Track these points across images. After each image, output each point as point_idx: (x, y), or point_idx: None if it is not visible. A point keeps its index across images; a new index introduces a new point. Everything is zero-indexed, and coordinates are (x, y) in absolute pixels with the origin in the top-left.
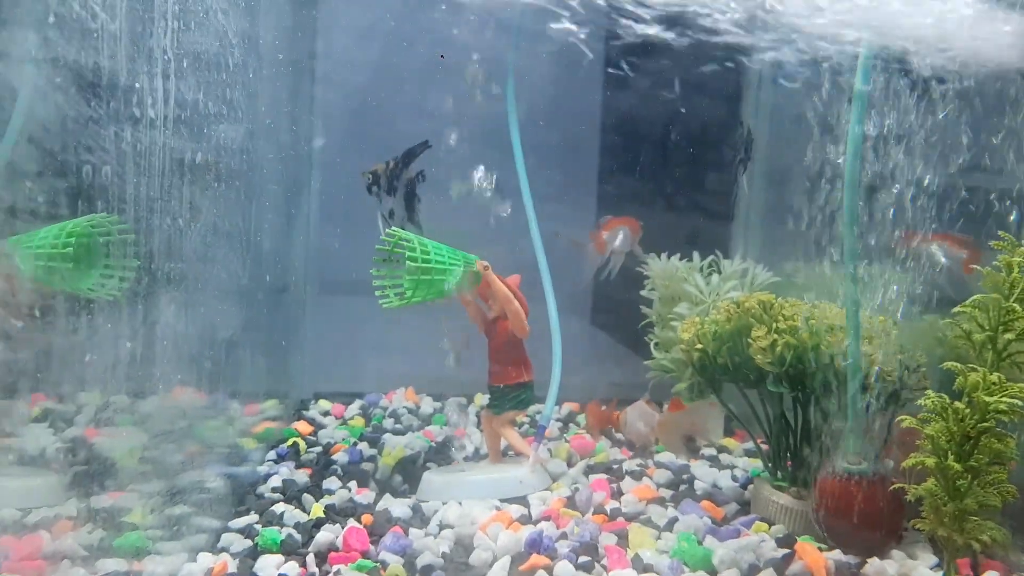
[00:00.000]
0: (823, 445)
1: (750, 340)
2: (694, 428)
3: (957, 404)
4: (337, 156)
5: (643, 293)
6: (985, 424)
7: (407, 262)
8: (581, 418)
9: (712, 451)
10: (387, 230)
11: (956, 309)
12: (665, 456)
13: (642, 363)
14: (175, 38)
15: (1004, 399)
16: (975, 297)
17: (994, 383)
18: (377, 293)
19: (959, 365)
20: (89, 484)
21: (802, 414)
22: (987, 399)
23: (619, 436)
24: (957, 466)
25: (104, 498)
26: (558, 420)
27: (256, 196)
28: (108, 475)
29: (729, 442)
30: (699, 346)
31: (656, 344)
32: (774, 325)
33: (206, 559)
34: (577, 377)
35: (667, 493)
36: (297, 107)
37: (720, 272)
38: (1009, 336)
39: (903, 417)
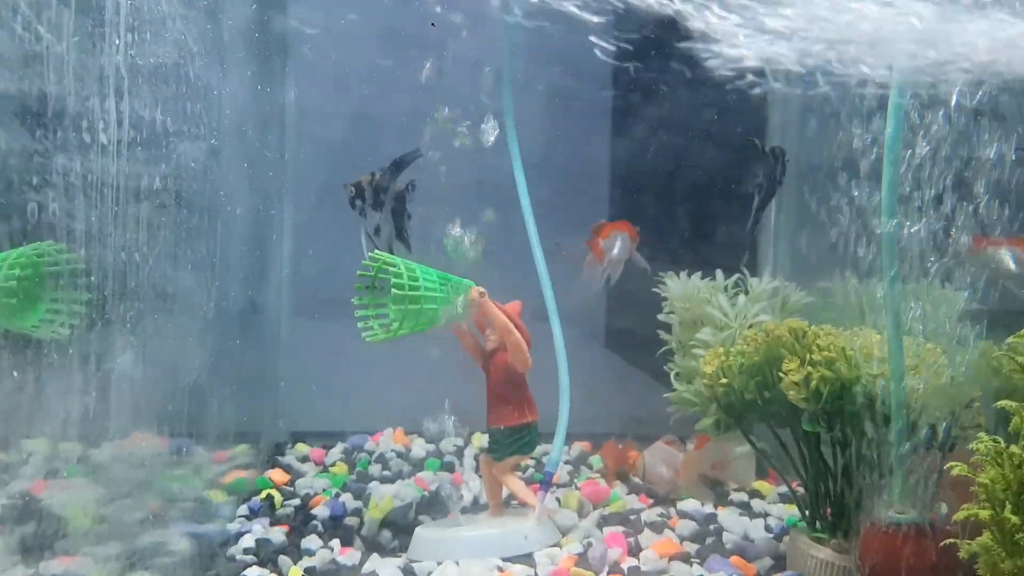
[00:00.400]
0: (866, 491)
1: (781, 373)
2: (722, 469)
3: (1014, 448)
4: (314, 167)
5: (661, 317)
6: None
7: (393, 289)
8: (594, 460)
9: (743, 496)
10: (370, 252)
11: (1010, 339)
12: (690, 504)
13: (663, 395)
14: (127, 53)
15: None
16: None
17: None
18: (360, 325)
19: (1013, 404)
20: (38, 547)
21: (842, 456)
22: None
23: (637, 481)
24: (1015, 519)
25: (55, 563)
26: (567, 463)
27: (221, 217)
28: (59, 536)
29: (762, 486)
30: (724, 380)
31: (677, 374)
32: (808, 356)
33: None
34: (589, 411)
35: (692, 548)
36: (268, 116)
37: (747, 292)
38: None
39: (953, 464)
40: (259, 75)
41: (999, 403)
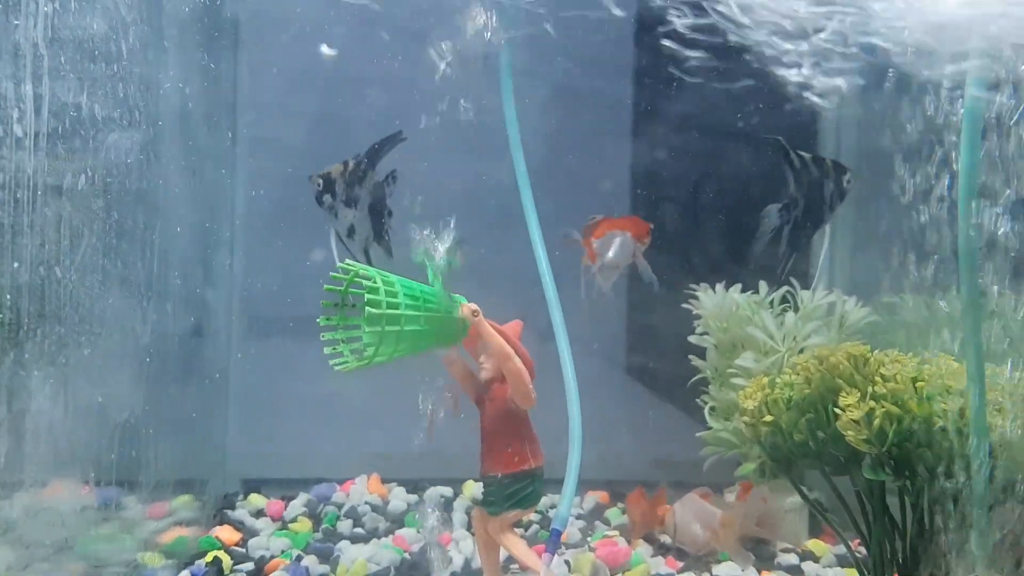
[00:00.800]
0: (942, 552)
1: (838, 409)
2: (768, 526)
3: None
4: (273, 163)
5: (693, 339)
6: None
7: (367, 307)
8: (612, 513)
9: (792, 558)
10: (341, 262)
11: None
12: (726, 569)
13: (696, 434)
14: (47, 26)
15: None
16: None
17: None
18: (327, 350)
19: None
20: None
21: (913, 510)
22: None
23: (666, 540)
24: None
25: None
26: (579, 518)
27: (160, 224)
28: None
29: (816, 545)
30: (768, 417)
31: (712, 409)
32: (870, 389)
33: None
34: (608, 454)
35: None
36: (216, 103)
37: (797, 308)
38: None
39: None
40: (207, 59)
41: None
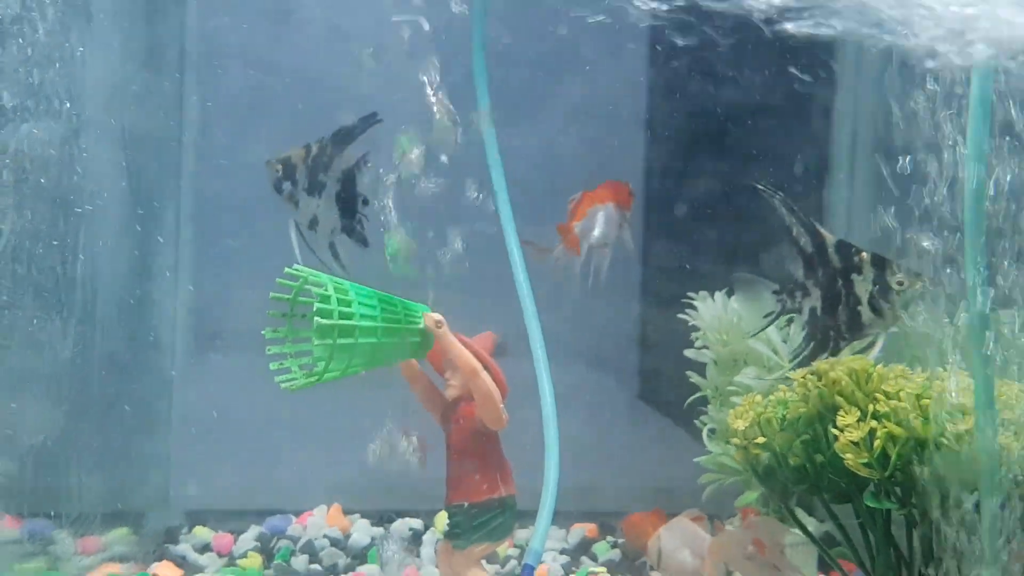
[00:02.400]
0: None
1: (836, 430)
2: (769, 552)
3: None
4: (222, 150)
5: (690, 354)
6: None
7: (316, 318)
8: (600, 547)
9: None
10: (288, 268)
11: None
12: None
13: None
14: None
15: None
16: None
17: None
18: (273, 366)
19: None
20: None
21: (919, 540)
22: None
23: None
24: None
25: None
26: (563, 552)
27: (85, 220)
28: None
29: None
30: (760, 440)
31: (712, 431)
32: (871, 407)
33: None
34: (594, 480)
35: None
36: (157, 85)
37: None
38: None
39: None
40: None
41: None
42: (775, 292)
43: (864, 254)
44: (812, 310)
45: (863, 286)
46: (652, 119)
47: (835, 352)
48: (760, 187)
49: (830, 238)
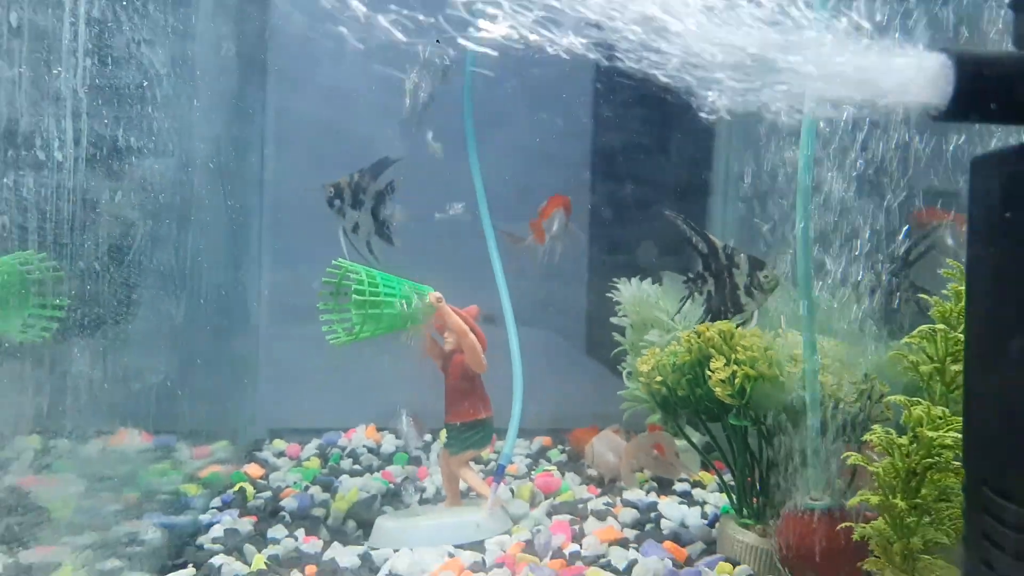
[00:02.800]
0: (787, 480)
1: (709, 371)
2: (666, 454)
3: (902, 440)
4: (292, 178)
5: (614, 320)
6: (930, 460)
7: (354, 295)
8: (552, 453)
9: (686, 487)
10: (335, 261)
11: (905, 339)
12: (634, 494)
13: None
14: (86, 76)
15: (949, 434)
16: (921, 328)
17: (940, 417)
18: (324, 328)
19: (904, 398)
20: (19, 537)
21: (767, 448)
22: (931, 434)
23: (591, 472)
24: (901, 503)
25: (33, 553)
26: (528, 456)
27: (191, 228)
28: (40, 527)
29: (706, 476)
30: (658, 378)
31: (629, 373)
32: (733, 356)
33: None
34: (562, 410)
35: (632, 533)
36: (245, 129)
37: (692, 297)
38: (957, 368)
39: (848, 454)
40: (237, 90)
41: (891, 398)
42: (685, 281)
43: (742, 255)
44: (708, 292)
45: (741, 278)
46: (594, 154)
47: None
48: (668, 213)
49: (719, 243)
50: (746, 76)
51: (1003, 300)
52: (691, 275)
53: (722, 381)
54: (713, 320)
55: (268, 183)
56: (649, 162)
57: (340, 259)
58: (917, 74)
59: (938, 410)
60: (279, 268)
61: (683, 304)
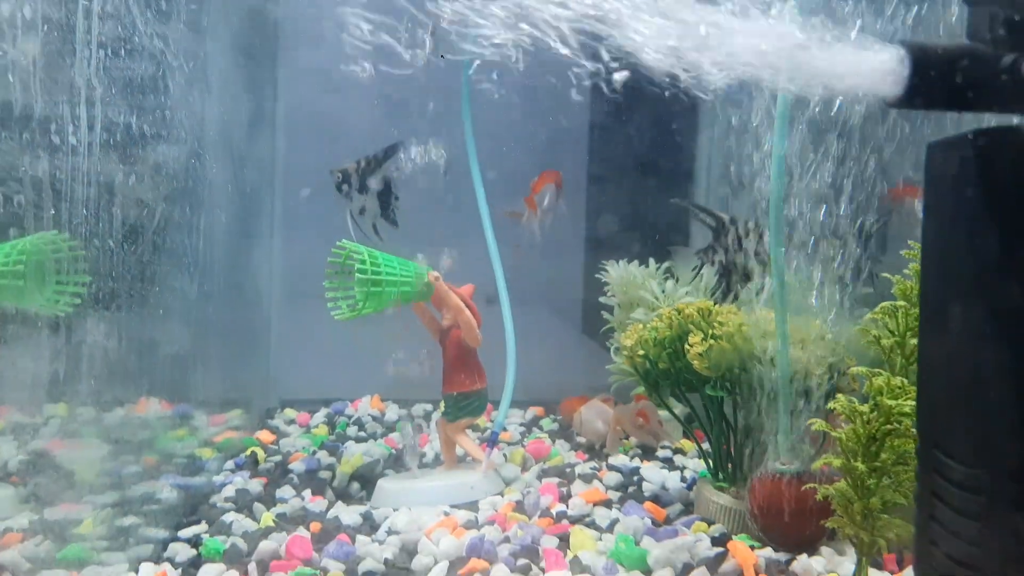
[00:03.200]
0: (759, 447)
1: (688, 346)
2: (649, 422)
3: (863, 407)
4: (303, 161)
5: (602, 299)
6: (889, 427)
7: (356, 274)
8: (544, 422)
9: (668, 453)
10: (352, 234)
11: (869, 315)
12: (619, 459)
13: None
14: (100, 68)
15: (907, 402)
16: (883, 304)
17: (899, 387)
18: (329, 304)
19: (866, 369)
20: (45, 496)
21: (741, 417)
22: (890, 402)
23: (580, 439)
24: (862, 466)
25: (57, 510)
26: (522, 425)
27: (205, 210)
28: (65, 487)
29: (686, 444)
30: (641, 352)
31: (616, 349)
32: (711, 332)
33: (148, 569)
34: (554, 382)
35: (615, 496)
36: (257, 113)
37: (676, 278)
38: (915, 342)
39: (813, 420)
40: (247, 79)
41: (853, 369)
42: (697, 253)
43: (750, 223)
44: (720, 262)
45: (749, 245)
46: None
47: (735, 288)
48: (675, 200)
49: (724, 216)
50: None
51: (948, 276)
52: (702, 249)
53: (700, 355)
54: (727, 290)
55: (279, 167)
56: (643, 143)
57: (344, 240)
58: (875, 65)
59: (897, 380)
60: (291, 246)
61: (696, 273)
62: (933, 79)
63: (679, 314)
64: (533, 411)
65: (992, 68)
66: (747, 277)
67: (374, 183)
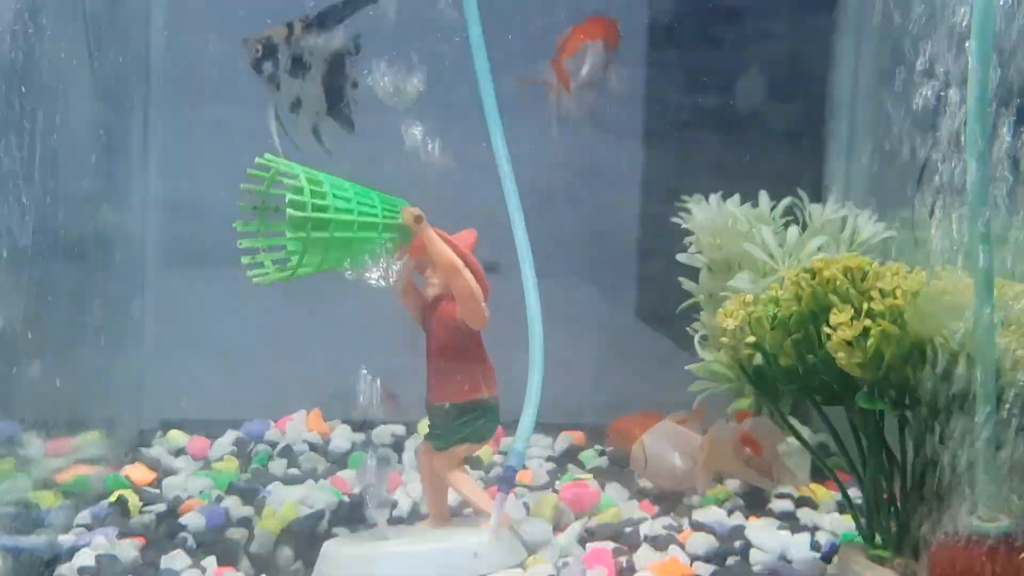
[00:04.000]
0: (943, 491)
1: (828, 329)
2: (765, 452)
3: None
4: (197, 37)
5: (682, 258)
6: None
7: (289, 210)
8: (586, 455)
9: (788, 503)
10: (259, 158)
11: None
12: (712, 515)
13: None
14: None
15: None
16: None
17: None
18: (244, 260)
19: None
20: None
21: (913, 445)
22: None
23: (643, 483)
24: None
25: None
26: (550, 459)
27: (41, 114)
28: None
29: (819, 490)
30: (750, 339)
31: (703, 338)
32: (865, 306)
33: None
34: (598, 397)
35: (706, 570)
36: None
37: (803, 223)
38: None
39: None
40: None
41: None
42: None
43: None
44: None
45: None
46: None
47: None
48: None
49: None
50: None
51: None
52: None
53: (848, 343)
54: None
55: (157, 48)
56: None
57: (268, 154)
58: None
59: None
60: (174, 178)
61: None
62: None
63: (812, 278)
64: (568, 437)
65: None
66: None
67: (317, 60)
